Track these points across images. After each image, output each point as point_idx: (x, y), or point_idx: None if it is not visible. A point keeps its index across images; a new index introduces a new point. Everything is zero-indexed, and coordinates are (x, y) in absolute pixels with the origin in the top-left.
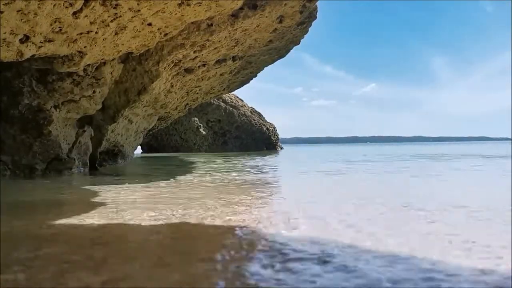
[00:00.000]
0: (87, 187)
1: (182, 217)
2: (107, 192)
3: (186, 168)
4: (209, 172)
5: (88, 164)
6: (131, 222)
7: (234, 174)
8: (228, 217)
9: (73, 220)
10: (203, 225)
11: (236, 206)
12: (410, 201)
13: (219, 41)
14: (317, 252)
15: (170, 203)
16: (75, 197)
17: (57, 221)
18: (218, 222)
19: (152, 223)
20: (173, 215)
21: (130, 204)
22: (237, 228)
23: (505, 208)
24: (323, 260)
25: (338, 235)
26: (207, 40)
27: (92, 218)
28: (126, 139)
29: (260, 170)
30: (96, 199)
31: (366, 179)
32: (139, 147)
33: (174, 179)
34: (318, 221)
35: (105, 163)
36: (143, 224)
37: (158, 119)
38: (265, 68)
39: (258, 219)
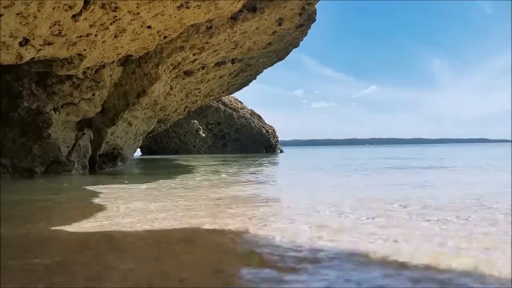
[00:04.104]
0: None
1: None
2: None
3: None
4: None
5: (88, 166)
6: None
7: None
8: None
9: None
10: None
11: None
12: None
13: (219, 44)
14: None
15: None
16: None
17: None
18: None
19: None
20: None
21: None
22: None
23: None
24: None
25: None
26: (207, 42)
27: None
28: (126, 141)
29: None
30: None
31: None
32: (138, 149)
33: None
34: None
35: (104, 165)
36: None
37: (157, 122)
38: (265, 70)
39: None
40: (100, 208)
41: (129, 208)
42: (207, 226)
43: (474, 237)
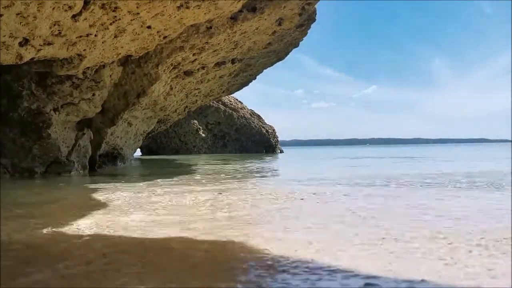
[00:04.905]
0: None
1: None
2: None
3: None
4: None
5: (88, 167)
6: None
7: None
8: None
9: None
10: None
11: None
12: None
13: (218, 44)
14: None
15: None
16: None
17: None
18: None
19: None
20: None
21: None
22: None
23: None
24: None
25: None
26: (206, 42)
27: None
28: (126, 142)
29: None
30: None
31: None
32: (138, 149)
33: None
34: None
35: (104, 165)
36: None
37: (157, 122)
38: (265, 70)
39: None
40: (100, 209)
41: (129, 208)
42: (203, 237)
43: None
